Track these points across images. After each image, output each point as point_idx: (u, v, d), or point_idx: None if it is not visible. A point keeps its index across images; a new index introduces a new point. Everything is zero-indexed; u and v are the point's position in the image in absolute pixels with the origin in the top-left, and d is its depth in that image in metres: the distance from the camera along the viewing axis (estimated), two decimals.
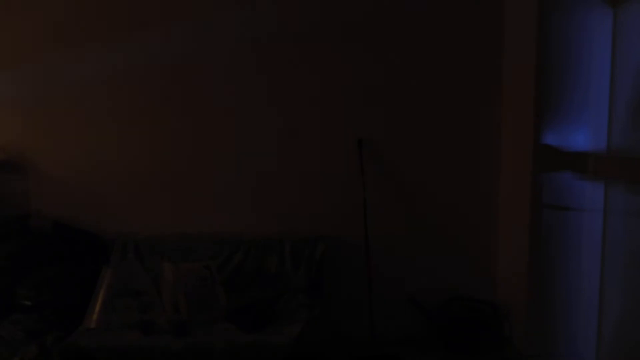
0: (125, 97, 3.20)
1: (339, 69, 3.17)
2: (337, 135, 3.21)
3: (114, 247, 3.14)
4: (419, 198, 3.27)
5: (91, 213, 3.26)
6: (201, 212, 3.27)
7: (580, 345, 2.90)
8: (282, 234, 3.19)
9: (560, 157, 2.86)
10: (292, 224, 3.24)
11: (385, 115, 3.21)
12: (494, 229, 3.27)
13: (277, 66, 3.18)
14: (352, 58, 3.17)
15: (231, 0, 3.13)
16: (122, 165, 3.25)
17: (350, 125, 3.20)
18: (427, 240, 3.29)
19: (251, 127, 3.22)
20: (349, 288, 3.22)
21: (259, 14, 3.13)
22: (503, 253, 3.25)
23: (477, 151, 3.23)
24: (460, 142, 3.23)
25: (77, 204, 3.27)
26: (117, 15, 3.15)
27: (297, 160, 3.23)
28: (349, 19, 3.15)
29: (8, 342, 2.63)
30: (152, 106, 3.21)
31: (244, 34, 3.15)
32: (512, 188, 3.12)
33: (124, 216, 3.27)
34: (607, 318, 2.69)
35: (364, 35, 3.16)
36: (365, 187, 3.15)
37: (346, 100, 3.20)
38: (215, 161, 3.24)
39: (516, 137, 3.03)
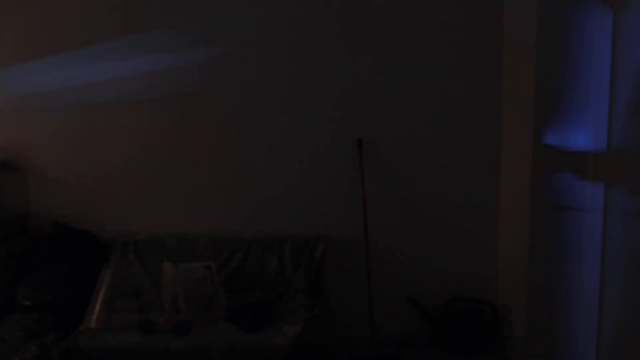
0: (125, 98, 3.20)
1: (339, 69, 3.17)
2: (337, 135, 3.21)
3: (114, 247, 3.13)
4: (418, 198, 3.27)
5: (91, 213, 3.26)
6: (201, 212, 3.28)
7: (580, 345, 2.90)
8: (282, 234, 3.19)
9: (560, 157, 2.86)
10: (292, 224, 3.24)
11: (385, 115, 3.21)
12: (494, 229, 3.27)
13: (276, 66, 3.18)
14: (352, 58, 3.17)
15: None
16: (122, 166, 3.25)
17: (350, 125, 3.20)
18: (427, 240, 3.29)
19: (251, 128, 3.22)
20: (349, 288, 3.22)
21: (259, 13, 3.14)
22: (503, 253, 3.25)
23: (477, 151, 3.23)
24: (460, 142, 3.22)
25: (77, 204, 3.27)
26: (117, 18, 3.16)
27: (297, 160, 3.23)
28: (348, 18, 3.15)
29: (8, 342, 2.63)
30: (152, 107, 3.21)
31: (244, 35, 3.15)
32: (512, 188, 3.12)
33: (124, 216, 3.27)
34: (607, 318, 2.69)
35: (364, 35, 3.16)
36: (365, 187, 3.15)
37: (346, 100, 3.20)
38: (215, 161, 3.24)
39: (516, 137, 3.03)
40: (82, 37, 3.15)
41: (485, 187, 3.25)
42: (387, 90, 3.19)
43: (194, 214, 3.28)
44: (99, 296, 2.72)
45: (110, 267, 2.81)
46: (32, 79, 3.19)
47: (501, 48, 3.14)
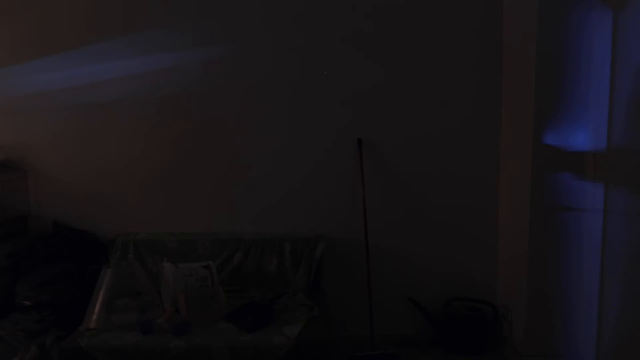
0: (125, 99, 3.20)
1: (338, 69, 3.17)
2: (337, 135, 3.21)
3: (114, 247, 3.14)
4: (418, 198, 3.27)
5: (91, 213, 3.26)
6: (201, 212, 3.28)
7: (580, 345, 2.90)
8: (282, 234, 3.19)
9: (560, 157, 2.85)
10: (292, 224, 3.24)
11: (385, 116, 3.21)
12: (494, 229, 3.27)
13: (277, 67, 3.18)
14: (351, 58, 3.17)
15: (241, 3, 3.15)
16: (122, 166, 3.25)
17: (351, 126, 3.20)
18: (427, 240, 3.29)
19: (251, 128, 3.22)
20: (349, 288, 3.23)
21: (260, 13, 3.15)
22: (503, 253, 3.25)
23: (477, 151, 3.23)
24: (460, 141, 3.22)
25: (77, 204, 3.27)
26: (116, 18, 3.16)
27: (297, 160, 3.23)
28: (349, 19, 3.14)
29: (8, 342, 2.63)
30: (151, 107, 3.21)
31: (245, 35, 3.16)
32: (512, 188, 3.12)
33: (124, 216, 3.27)
34: (607, 318, 2.69)
35: (364, 35, 3.16)
36: (365, 186, 3.15)
37: (347, 101, 3.19)
38: (215, 161, 3.25)
39: (516, 137, 3.03)
40: (82, 37, 3.16)
41: (485, 187, 3.25)
42: (387, 91, 3.19)
43: (194, 214, 3.28)
44: (99, 296, 2.71)
45: (110, 267, 2.81)
46: (32, 79, 3.19)
47: (501, 48, 3.14)
